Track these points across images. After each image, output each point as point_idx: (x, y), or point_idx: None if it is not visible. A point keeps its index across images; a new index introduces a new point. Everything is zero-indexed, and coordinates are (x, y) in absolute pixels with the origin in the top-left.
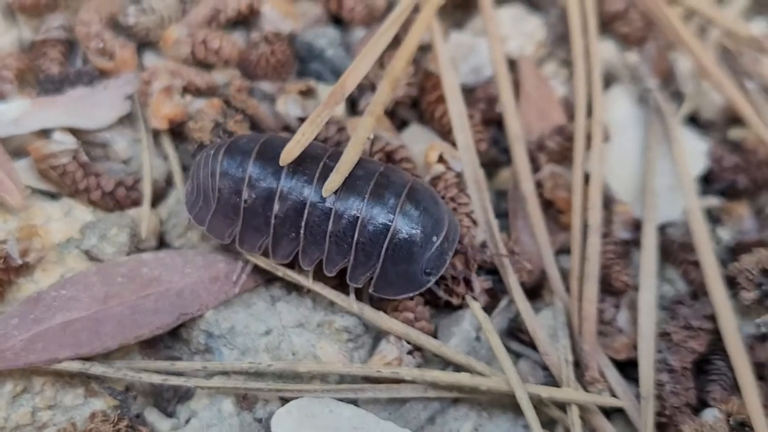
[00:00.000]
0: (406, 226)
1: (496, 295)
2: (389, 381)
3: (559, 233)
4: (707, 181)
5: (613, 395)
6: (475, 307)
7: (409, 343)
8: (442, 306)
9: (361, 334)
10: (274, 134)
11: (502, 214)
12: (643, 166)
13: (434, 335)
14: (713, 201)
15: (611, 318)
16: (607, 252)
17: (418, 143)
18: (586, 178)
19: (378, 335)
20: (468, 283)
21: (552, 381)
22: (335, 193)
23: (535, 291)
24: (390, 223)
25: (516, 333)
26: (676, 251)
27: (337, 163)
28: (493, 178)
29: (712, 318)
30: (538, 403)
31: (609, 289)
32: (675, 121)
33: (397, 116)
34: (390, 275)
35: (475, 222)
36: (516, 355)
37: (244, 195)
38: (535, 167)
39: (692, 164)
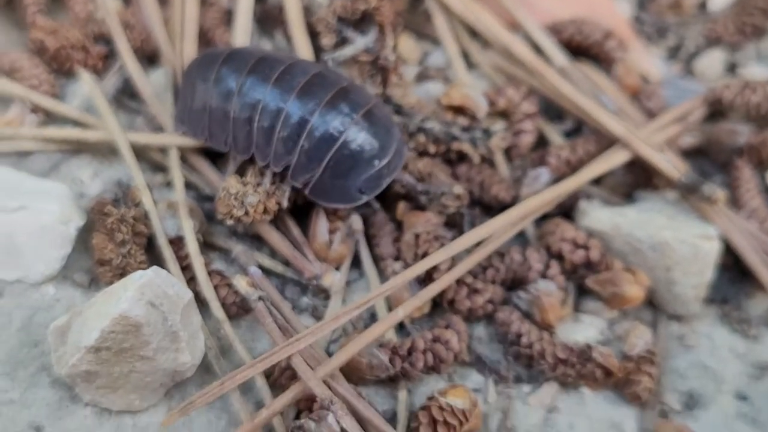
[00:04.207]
0: (353, 143)
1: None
2: (13, 138)
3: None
4: None
5: None
6: (83, 75)
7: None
8: None
9: None
10: (247, 45)
11: None
12: None
13: (57, 97)
14: None
15: None
16: (213, 18)
17: None
18: None
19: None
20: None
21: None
22: (290, 94)
23: (155, 55)
24: (338, 136)
25: (132, 92)
26: (277, 15)
27: (302, 70)
28: None
29: None
30: (143, 149)
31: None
32: None
33: None
34: (327, 184)
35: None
36: (137, 113)
37: (208, 96)
38: None
39: None
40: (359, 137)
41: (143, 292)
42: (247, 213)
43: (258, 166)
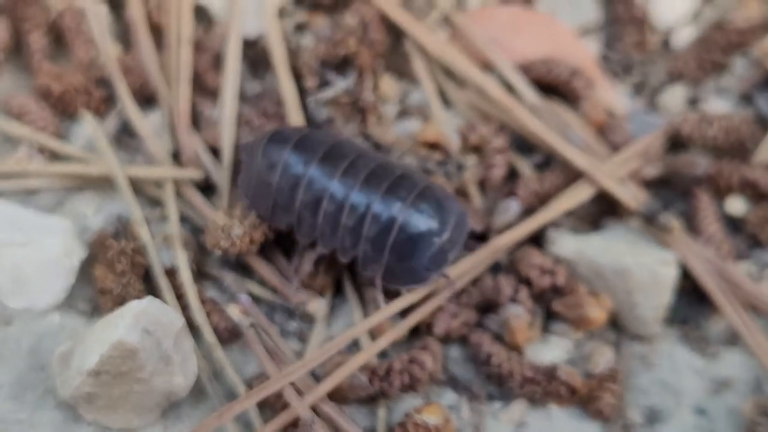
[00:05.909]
0: (409, 225)
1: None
2: (21, 176)
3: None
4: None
5: (208, 174)
6: (86, 117)
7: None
8: None
9: (1, 143)
10: (316, 130)
11: None
12: None
13: (62, 137)
14: (300, 15)
15: (208, 113)
16: (206, 62)
17: None
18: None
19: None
20: None
21: None
22: (354, 186)
23: (153, 97)
24: (395, 221)
25: (131, 132)
26: (266, 58)
27: (364, 163)
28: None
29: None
30: (142, 185)
31: (206, 89)
32: None
33: None
34: (395, 269)
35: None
36: (136, 151)
37: (275, 178)
38: None
39: None
40: (414, 219)
41: (138, 320)
42: (233, 244)
43: (318, 252)
